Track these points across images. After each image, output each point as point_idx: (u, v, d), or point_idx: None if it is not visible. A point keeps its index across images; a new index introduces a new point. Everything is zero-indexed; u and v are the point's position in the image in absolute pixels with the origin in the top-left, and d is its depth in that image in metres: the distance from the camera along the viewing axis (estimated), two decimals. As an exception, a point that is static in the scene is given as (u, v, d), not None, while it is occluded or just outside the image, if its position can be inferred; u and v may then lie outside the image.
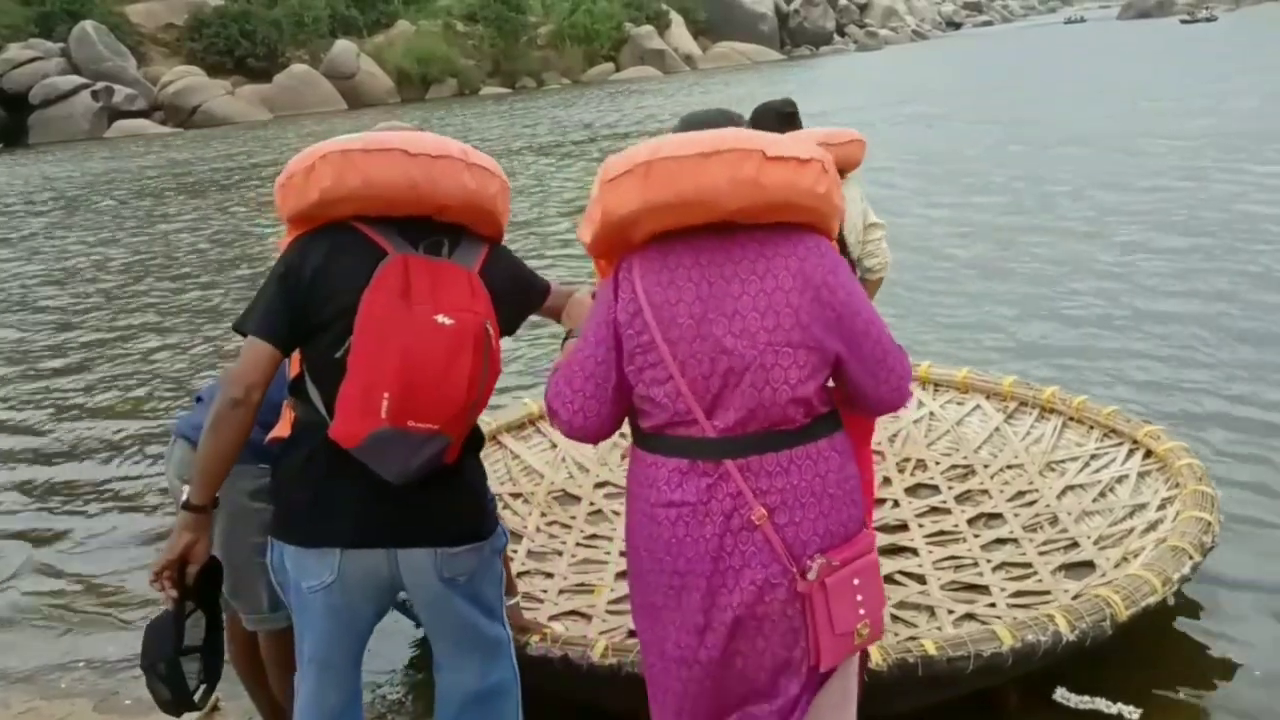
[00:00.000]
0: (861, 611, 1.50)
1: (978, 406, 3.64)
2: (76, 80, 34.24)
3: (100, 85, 34.39)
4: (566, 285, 1.95)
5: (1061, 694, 2.31)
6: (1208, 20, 50.43)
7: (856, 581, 1.50)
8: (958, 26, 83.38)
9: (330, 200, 1.62)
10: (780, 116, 2.29)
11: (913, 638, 2.27)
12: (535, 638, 2.30)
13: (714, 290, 1.49)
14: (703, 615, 1.51)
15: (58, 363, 6.90)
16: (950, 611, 2.57)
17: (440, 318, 1.58)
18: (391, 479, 1.60)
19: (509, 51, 44.44)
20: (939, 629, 2.43)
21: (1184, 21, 51.17)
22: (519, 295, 1.79)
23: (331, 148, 1.63)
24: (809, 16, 56.99)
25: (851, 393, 1.58)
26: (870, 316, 1.55)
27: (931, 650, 2.12)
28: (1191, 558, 2.43)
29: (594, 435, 1.60)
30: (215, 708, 2.78)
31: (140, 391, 6.09)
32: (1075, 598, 2.49)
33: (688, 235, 1.51)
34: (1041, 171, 10.93)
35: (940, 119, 17.32)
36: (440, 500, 1.67)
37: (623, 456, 3.62)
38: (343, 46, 40.27)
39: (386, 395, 1.55)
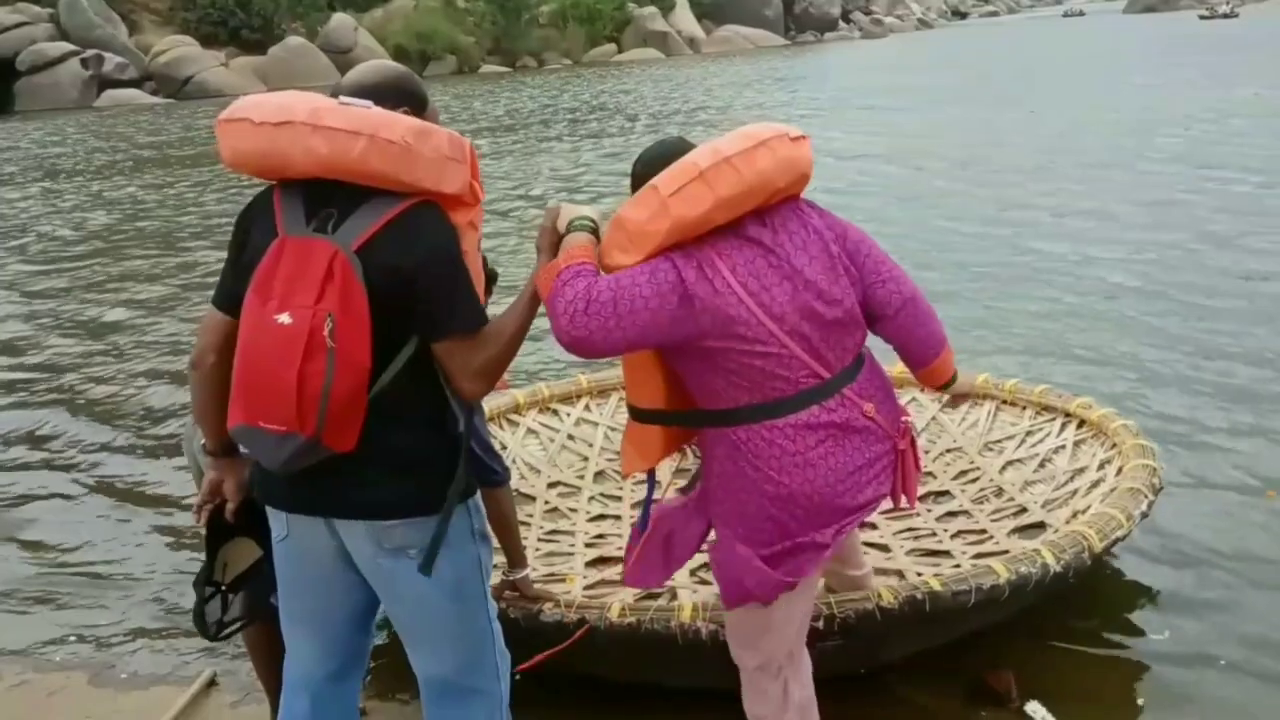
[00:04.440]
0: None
1: (913, 399, 3.69)
2: (65, 47, 33.68)
3: (90, 53, 33.82)
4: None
5: (1032, 706, 2.40)
6: (1227, 16, 47.25)
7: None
8: (964, 16, 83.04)
9: (231, 168, 1.68)
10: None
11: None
12: (549, 605, 2.31)
13: (792, 269, 1.75)
14: (845, 513, 1.80)
15: (53, 333, 6.74)
16: (919, 574, 2.63)
17: (280, 316, 1.52)
18: (272, 469, 1.60)
19: (510, 30, 43.94)
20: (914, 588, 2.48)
21: (1202, 17, 48.21)
22: (400, 286, 1.55)
23: (223, 114, 1.66)
24: (814, 2, 56.43)
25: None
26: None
27: (937, 586, 2.31)
28: (1147, 497, 2.69)
29: (598, 354, 1.73)
30: (213, 682, 2.72)
31: (131, 360, 5.96)
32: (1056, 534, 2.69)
33: (739, 225, 1.74)
34: (989, 169, 10.69)
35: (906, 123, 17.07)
36: (368, 473, 1.61)
37: (573, 457, 3.60)
38: (340, 20, 39.67)
39: (236, 393, 1.58)
